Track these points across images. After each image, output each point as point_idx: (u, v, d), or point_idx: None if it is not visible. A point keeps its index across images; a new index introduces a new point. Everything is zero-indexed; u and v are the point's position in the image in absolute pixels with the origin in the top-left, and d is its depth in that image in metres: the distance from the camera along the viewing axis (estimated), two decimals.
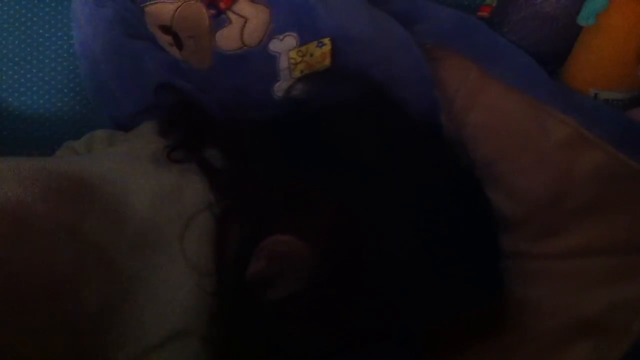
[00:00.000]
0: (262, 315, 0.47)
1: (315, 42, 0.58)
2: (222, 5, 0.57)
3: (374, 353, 0.49)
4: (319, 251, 0.47)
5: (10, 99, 0.66)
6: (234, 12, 0.58)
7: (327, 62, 0.59)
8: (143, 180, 0.50)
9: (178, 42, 0.59)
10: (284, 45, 0.59)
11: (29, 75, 0.66)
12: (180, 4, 0.58)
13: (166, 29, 0.59)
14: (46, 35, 0.67)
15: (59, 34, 0.67)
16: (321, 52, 0.59)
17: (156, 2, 0.59)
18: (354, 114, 0.54)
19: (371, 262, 0.48)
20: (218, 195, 0.51)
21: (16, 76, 0.66)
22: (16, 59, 0.66)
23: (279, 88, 0.60)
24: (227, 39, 0.59)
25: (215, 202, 0.50)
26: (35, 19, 0.67)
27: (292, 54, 0.59)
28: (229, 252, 0.49)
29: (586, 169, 0.55)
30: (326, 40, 0.58)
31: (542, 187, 0.57)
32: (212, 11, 0.57)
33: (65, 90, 0.66)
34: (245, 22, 0.58)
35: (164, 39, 0.60)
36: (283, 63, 0.59)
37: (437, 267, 0.48)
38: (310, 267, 0.47)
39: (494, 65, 0.59)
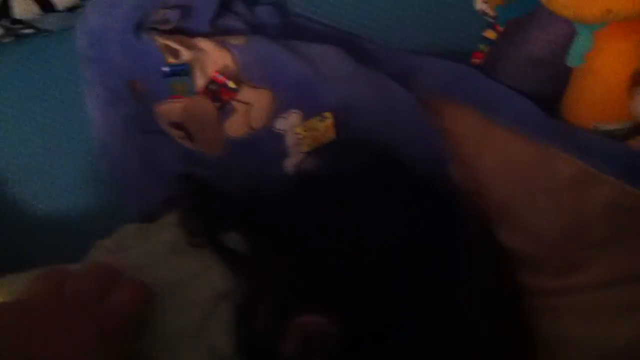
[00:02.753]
0: None
1: (318, 117, 0.61)
2: (225, 97, 0.60)
3: None
4: (344, 329, 0.49)
5: (39, 205, 0.70)
6: (237, 101, 0.61)
7: (331, 134, 0.61)
8: (167, 271, 0.53)
9: (189, 135, 0.62)
10: (289, 123, 0.62)
11: (53, 181, 0.70)
12: (187, 101, 0.61)
13: (177, 125, 0.62)
14: (67, 138, 0.70)
15: (80, 136, 0.70)
16: (324, 126, 0.61)
17: (165, 102, 0.62)
18: (368, 185, 0.56)
19: (393, 339, 0.50)
20: (240, 279, 0.53)
21: (41, 182, 0.70)
22: (40, 165, 0.70)
23: (290, 164, 0.62)
24: (235, 126, 0.61)
25: (236, 287, 0.52)
26: (54, 124, 0.71)
27: (298, 129, 0.61)
28: (255, 335, 0.51)
29: (597, 204, 0.56)
30: (327, 114, 0.61)
31: (557, 225, 0.58)
32: (217, 103, 0.60)
33: (91, 190, 0.70)
34: (250, 107, 0.61)
35: (176, 134, 0.63)
36: (290, 140, 0.62)
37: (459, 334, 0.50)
38: (337, 346, 0.49)
39: (496, 112, 0.61)
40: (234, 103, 0.61)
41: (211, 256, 0.55)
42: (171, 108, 0.61)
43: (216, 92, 0.60)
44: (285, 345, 0.50)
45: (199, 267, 0.54)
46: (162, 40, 0.61)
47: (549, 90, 0.61)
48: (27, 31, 0.69)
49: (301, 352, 0.50)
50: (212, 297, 0.52)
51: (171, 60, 0.61)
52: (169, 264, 0.55)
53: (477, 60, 0.65)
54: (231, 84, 0.60)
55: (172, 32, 0.62)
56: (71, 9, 0.67)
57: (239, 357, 0.50)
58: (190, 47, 0.61)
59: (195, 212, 0.60)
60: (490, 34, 0.66)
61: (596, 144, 0.58)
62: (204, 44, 0.61)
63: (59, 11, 0.66)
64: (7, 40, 0.70)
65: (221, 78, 0.60)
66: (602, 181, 0.56)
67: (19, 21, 0.67)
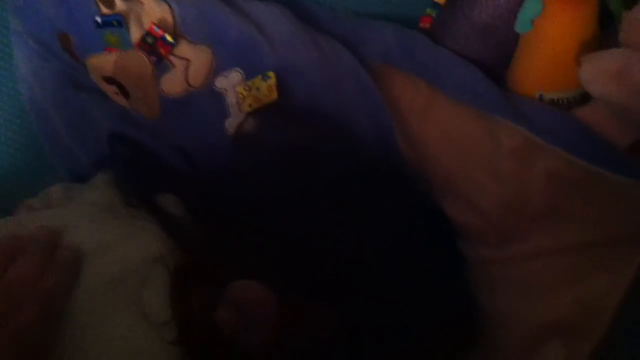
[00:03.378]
0: None
1: (260, 76, 0.59)
2: (162, 51, 0.57)
3: None
4: (288, 300, 0.48)
5: None
6: (175, 56, 0.58)
7: (274, 95, 0.59)
8: (99, 233, 0.51)
9: (123, 92, 0.59)
10: (230, 81, 0.59)
11: None
12: (121, 54, 0.58)
13: (109, 80, 0.59)
14: None
15: (9, 91, 0.66)
16: (267, 85, 0.59)
17: (96, 55, 0.58)
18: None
19: (341, 311, 0.48)
20: (176, 242, 0.51)
21: None
22: None
23: (230, 125, 0.60)
24: (172, 83, 0.59)
25: (172, 250, 0.50)
26: None
27: (239, 88, 0.59)
28: (192, 301, 0.49)
29: (540, 176, 0.56)
30: (270, 73, 0.58)
31: (499, 197, 0.57)
32: (153, 58, 0.57)
33: (20, 148, 0.66)
34: (188, 64, 0.58)
35: (109, 89, 0.60)
36: (231, 99, 0.59)
37: (407, 315, 0.49)
38: (279, 316, 0.48)
39: (441, 80, 0.60)
40: (171, 58, 0.58)
41: (145, 218, 0.53)
42: (103, 61, 0.58)
43: (152, 46, 0.57)
44: (221, 312, 0.48)
45: (131, 229, 0.52)
46: None
47: (496, 57, 0.60)
48: None
49: (238, 320, 0.48)
50: (145, 261, 0.50)
51: (105, 10, 0.57)
52: (98, 224, 0.52)
53: (425, 25, 0.63)
54: (169, 37, 0.57)
55: None
56: None
57: (174, 324, 0.48)
58: None
59: (128, 174, 0.58)
60: None
61: (541, 114, 0.57)
62: None
63: None
64: None
65: (158, 31, 0.56)
66: (547, 152, 0.55)
67: None
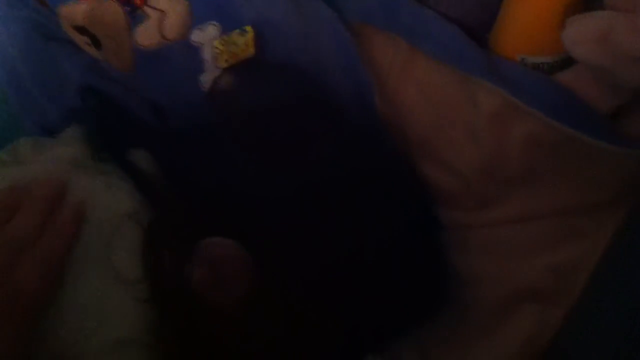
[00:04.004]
0: (206, 321, 0.47)
1: (238, 30, 0.57)
2: (136, 1, 0.55)
3: None
4: (261, 257, 0.47)
5: None
6: (150, 7, 0.56)
7: (251, 50, 0.57)
8: (69, 189, 0.50)
9: (96, 42, 0.57)
10: (206, 35, 0.57)
11: None
12: (93, 3, 0.55)
13: (81, 30, 0.57)
14: None
15: None
16: (244, 40, 0.57)
17: (67, 4, 0.56)
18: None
19: (314, 270, 0.48)
20: (147, 199, 0.50)
21: None
22: None
23: (205, 80, 0.58)
24: (146, 34, 0.56)
25: (143, 207, 0.49)
26: None
27: (216, 43, 0.57)
28: (164, 258, 0.48)
29: (519, 138, 0.55)
30: (248, 28, 0.57)
31: (476, 160, 0.57)
32: (127, 8, 0.55)
33: None
34: (164, 15, 0.56)
35: (81, 40, 0.58)
36: (207, 53, 0.58)
37: (379, 275, 0.49)
38: (252, 275, 0.47)
39: (421, 40, 0.58)
40: (146, 9, 0.56)
41: (116, 174, 0.52)
42: (75, 10, 0.56)
43: None
44: (193, 269, 0.48)
45: (102, 185, 0.51)
46: None
47: (480, 19, 0.59)
48: None
49: (210, 277, 0.47)
50: (116, 217, 0.49)
51: None
52: (69, 180, 0.51)
53: None
54: None
55: None
56: None
57: (145, 282, 0.47)
58: None
59: (99, 128, 0.56)
60: None
61: (523, 77, 0.56)
62: None
63: None
64: None
65: None
66: (527, 115, 0.54)
67: None
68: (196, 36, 0.57)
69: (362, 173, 0.52)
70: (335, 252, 0.48)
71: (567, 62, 0.56)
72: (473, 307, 0.55)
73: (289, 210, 0.49)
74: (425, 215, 0.56)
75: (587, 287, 0.55)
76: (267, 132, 0.53)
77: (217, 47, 0.57)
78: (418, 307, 0.53)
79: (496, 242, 0.57)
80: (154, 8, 0.56)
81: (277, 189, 0.51)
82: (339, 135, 0.53)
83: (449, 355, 0.56)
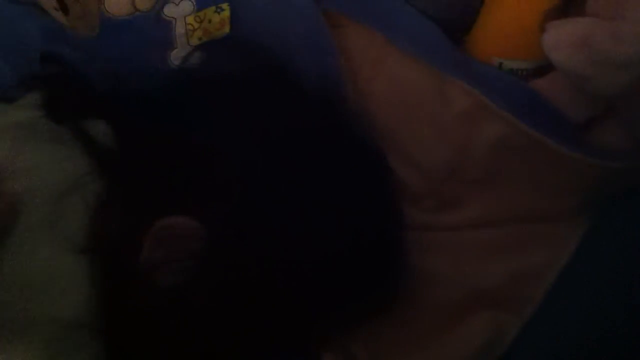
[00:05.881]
0: (153, 302, 0.45)
1: (214, 8, 0.55)
2: None
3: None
4: (215, 235, 0.45)
5: None
6: None
7: (226, 29, 0.56)
8: (21, 155, 0.48)
9: (63, 7, 0.55)
10: (180, 10, 0.55)
11: None
12: None
13: None
14: None
15: None
16: (220, 18, 0.55)
17: None
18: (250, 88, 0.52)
19: (269, 252, 0.46)
20: (101, 170, 0.48)
21: None
22: None
23: (176, 56, 0.56)
24: (117, 3, 0.54)
25: (97, 178, 0.47)
26: None
27: (189, 19, 0.55)
28: (112, 233, 0.46)
29: (486, 140, 0.55)
30: (225, 6, 0.55)
31: (442, 159, 0.56)
32: None
33: None
34: None
35: (48, 3, 0.55)
36: (179, 29, 0.56)
37: (337, 261, 0.48)
38: (205, 252, 0.45)
39: (396, 34, 0.57)
40: None
41: (70, 143, 0.50)
42: None
43: None
44: (146, 248, 0.46)
45: (54, 154, 0.49)
46: None
47: (460, 17, 0.59)
48: None
49: (161, 257, 0.45)
50: (66, 187, 0.47)
51: None
52: (20, 147, 0.49)
53: None
54: None
55: None
56: None
57: (94, 255, 0.45)
58: None
59: (58, 96, 0.54)
60: None
61: (495, 78, 0.56)
62: None
63: None
64: None
65: None
66: (496, 117, 0.54)
67: None
68: (169, 10, 0.55)
69: (328, 156, 0.50)
70: (293, 234, 0.47)
71: (544, 69, 0.56)
72: (428, 307, 0.54)
73: (250, 184, 0.47)
74: (392, 207, 0.55)
75: (547, 296, 0.55)
76: (232, 111, 0.52)
77: (190, 24, 0.55)
78: (372, 300, 0.52)
79: (455, 244, 0.57)
80: None
81: (238, 154, 0.49)
82: (305, 112, 0.52)
83: (402, 354, 0.54)
